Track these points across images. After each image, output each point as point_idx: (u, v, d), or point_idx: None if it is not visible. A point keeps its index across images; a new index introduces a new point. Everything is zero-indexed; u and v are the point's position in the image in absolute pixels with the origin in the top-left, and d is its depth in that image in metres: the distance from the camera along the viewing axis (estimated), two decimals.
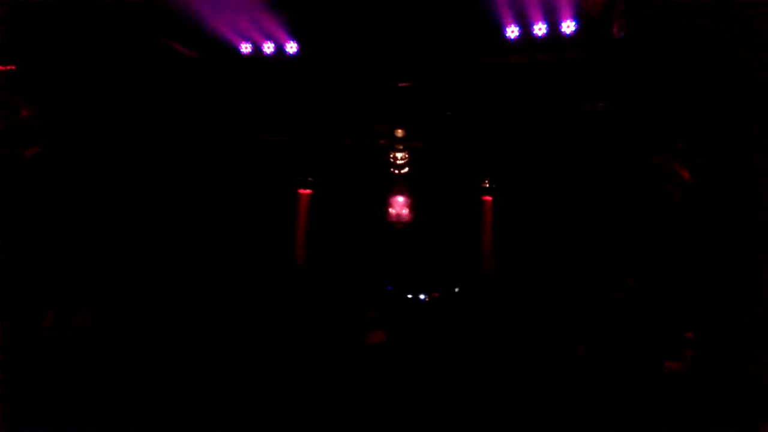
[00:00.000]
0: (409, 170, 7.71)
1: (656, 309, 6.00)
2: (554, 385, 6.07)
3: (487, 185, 7.76)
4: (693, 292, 5.77)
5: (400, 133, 7.52)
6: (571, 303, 6.58)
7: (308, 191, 7.87)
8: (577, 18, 6.03)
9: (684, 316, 5.77)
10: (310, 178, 7.84)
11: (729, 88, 5.48)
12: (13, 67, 5.93)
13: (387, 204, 7.86)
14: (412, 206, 7.84)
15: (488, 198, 7.76)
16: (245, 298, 6.85)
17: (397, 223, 7.82)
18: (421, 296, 7.59)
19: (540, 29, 6.11)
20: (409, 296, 7.62)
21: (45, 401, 5.37)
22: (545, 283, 7.02)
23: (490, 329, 6.85)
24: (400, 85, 6.73)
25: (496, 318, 6.95)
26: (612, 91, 6.66)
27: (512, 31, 6.15)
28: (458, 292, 7.73)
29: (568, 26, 6.04)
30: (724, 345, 5.40)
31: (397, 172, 7.71)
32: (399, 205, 7.84)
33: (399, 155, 7.65)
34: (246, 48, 6.55)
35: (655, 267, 6.13)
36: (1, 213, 5.72)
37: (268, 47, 6.52)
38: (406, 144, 7.59)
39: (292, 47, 6.51)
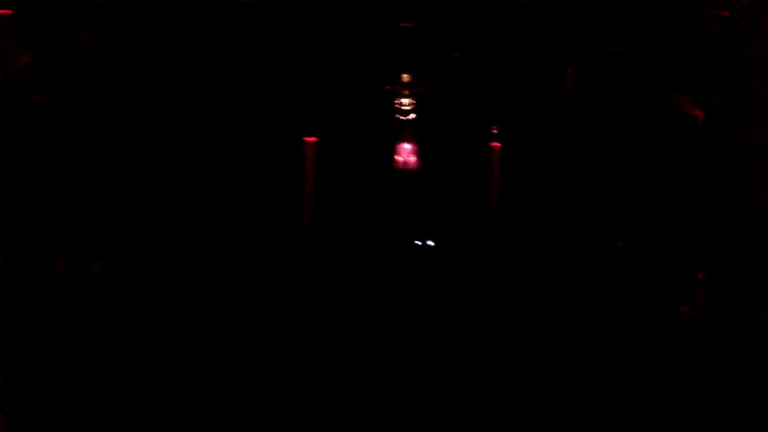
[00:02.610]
0: (415, 116, 7.58)
1: (667, 252, 5.92)
2: (564, 329, 6.05)
3: (496, 131, 7.61)
4: (704, 234, 5.70)
5: (405, 77, 7.38)
6: (581, 249, 6.50)
7: (313, 139, 7.75)
8: None
9: (696, 257, 5.70)
10: (315, 126, 7.72)
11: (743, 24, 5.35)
12: (10, 12, 5.85)
13: (394, 151, 7.72)
14: (420, 153, 7.70)
15: (497, 144, 7.61)
16: (249, 252, 6.80)
17: (404, 171, 7.69)
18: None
19: None
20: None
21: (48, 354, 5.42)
22: (554, 230, 6.93)
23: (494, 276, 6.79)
24: (402, 25, 6.60)
25: (502, 262, 6.87)
26: (622, 31, 6.49)
27: None
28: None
29: None
30: (736, 286, 5.36)
31: (403, 118, 7.59)
32: (406, 152, 7.70)
33: (405, 101, 7.52)
34: None
35: (665, 209, 6.04)
36: (5, 163, 5.71)
37: None
38: (412, 89, 7.46)
39: None
